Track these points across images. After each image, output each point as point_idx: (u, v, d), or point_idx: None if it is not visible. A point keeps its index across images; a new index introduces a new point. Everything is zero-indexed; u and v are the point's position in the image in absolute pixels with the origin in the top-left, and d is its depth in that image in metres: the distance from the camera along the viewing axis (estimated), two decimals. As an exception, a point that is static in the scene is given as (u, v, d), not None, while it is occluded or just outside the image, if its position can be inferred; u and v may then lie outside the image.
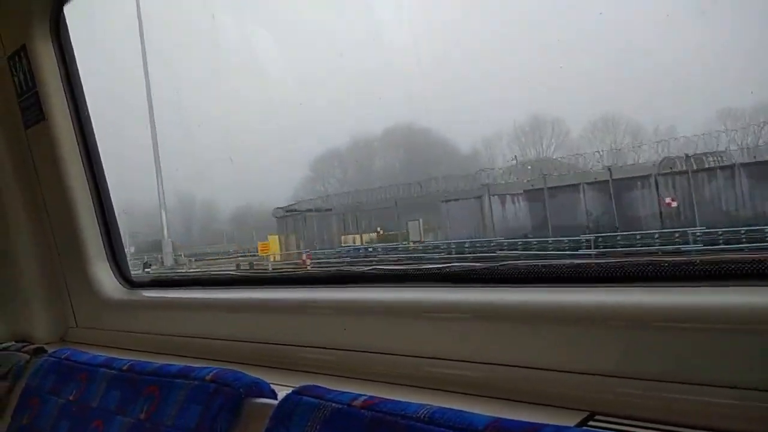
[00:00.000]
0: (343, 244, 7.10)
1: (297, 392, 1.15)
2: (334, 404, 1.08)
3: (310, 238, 7.33)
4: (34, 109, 2.22)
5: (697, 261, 1.14)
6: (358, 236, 7.05)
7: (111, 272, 2.28)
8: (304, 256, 6.90)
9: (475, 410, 0.97)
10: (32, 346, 2.00)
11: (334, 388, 1.15)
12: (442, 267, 1.50)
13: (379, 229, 6.87)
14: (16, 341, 2.17)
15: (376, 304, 1.52)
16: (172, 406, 1.32)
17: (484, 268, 1.45)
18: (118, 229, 2.33)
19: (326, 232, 7.28)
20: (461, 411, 0.97)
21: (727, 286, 1.05)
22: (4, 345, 2.09)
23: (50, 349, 1.91)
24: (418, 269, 1.61)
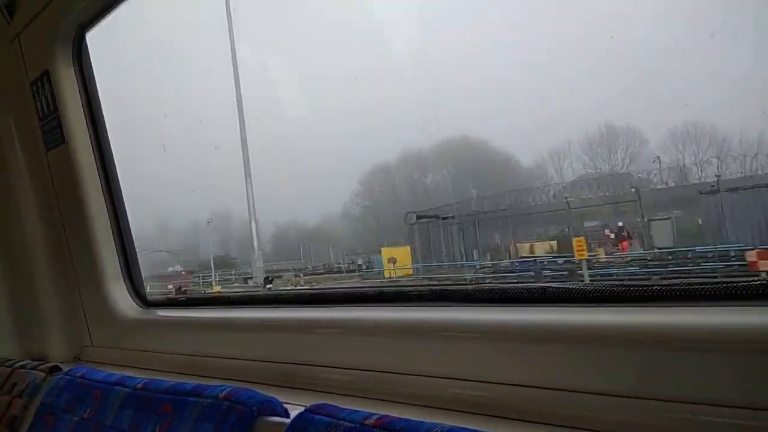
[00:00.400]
0: (517, 255, 5.72)
1: (310, 410, 1.15)
2: (346, 423, 1.08)
3: (467, 247, 5.90)
4: (55, 133, 2.28)
5: (714, 281, 1.13)
6: (537, 244, 5.83)
7: (127, 291, 2.30)
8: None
9: (490, 431, 0.97)
10: (48, 365, 2.01)
11: (348, 407, 1.15)
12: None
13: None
14: (32, 360, 2.19)
15: (388, 324, 1.52)
16: (186, 424, 1.32)
17: (499, 288, 1.45)
18: (134, 249, 2.36)
19: (484, 240, 5.91)
20: (476, 430, 0.97)
21: (742, 306, 1.05)
22: (20, 363, 2.11)
23: (65, 368, 1.93)
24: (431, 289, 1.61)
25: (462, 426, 0.99)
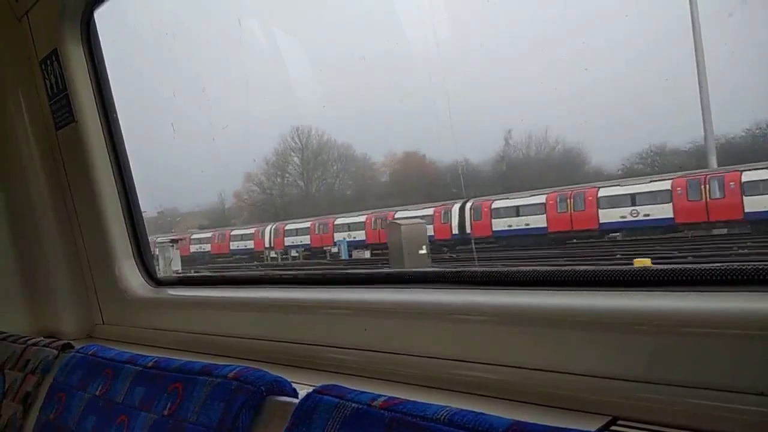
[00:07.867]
0: None
1: (318, 391, 1.16)
2: (354, 404, 1.09)
3: None
4: (64, 112, 2.28)
5: (725, 266, 1.12)
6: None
7: (137, 270, 2.32)
8: None
9: (497, 413, 0.97)
10: (60, 342, 2.03)
11: (355, 388, 1.15)
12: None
13: None
14: (45, 337, 2.22)
15: (397, 305, 1.53)
16: (195, 403, 1.33)
17: (507, 271, 1.44)
18: (144, 228, 2.37)
19: None
20: (481, 413, 0.97)
21: (756, 291, 1.03)
22: (33, 340, 2.14)
23: (77, 345, 1.95)
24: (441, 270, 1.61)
25: (469, 408, 0.99)
